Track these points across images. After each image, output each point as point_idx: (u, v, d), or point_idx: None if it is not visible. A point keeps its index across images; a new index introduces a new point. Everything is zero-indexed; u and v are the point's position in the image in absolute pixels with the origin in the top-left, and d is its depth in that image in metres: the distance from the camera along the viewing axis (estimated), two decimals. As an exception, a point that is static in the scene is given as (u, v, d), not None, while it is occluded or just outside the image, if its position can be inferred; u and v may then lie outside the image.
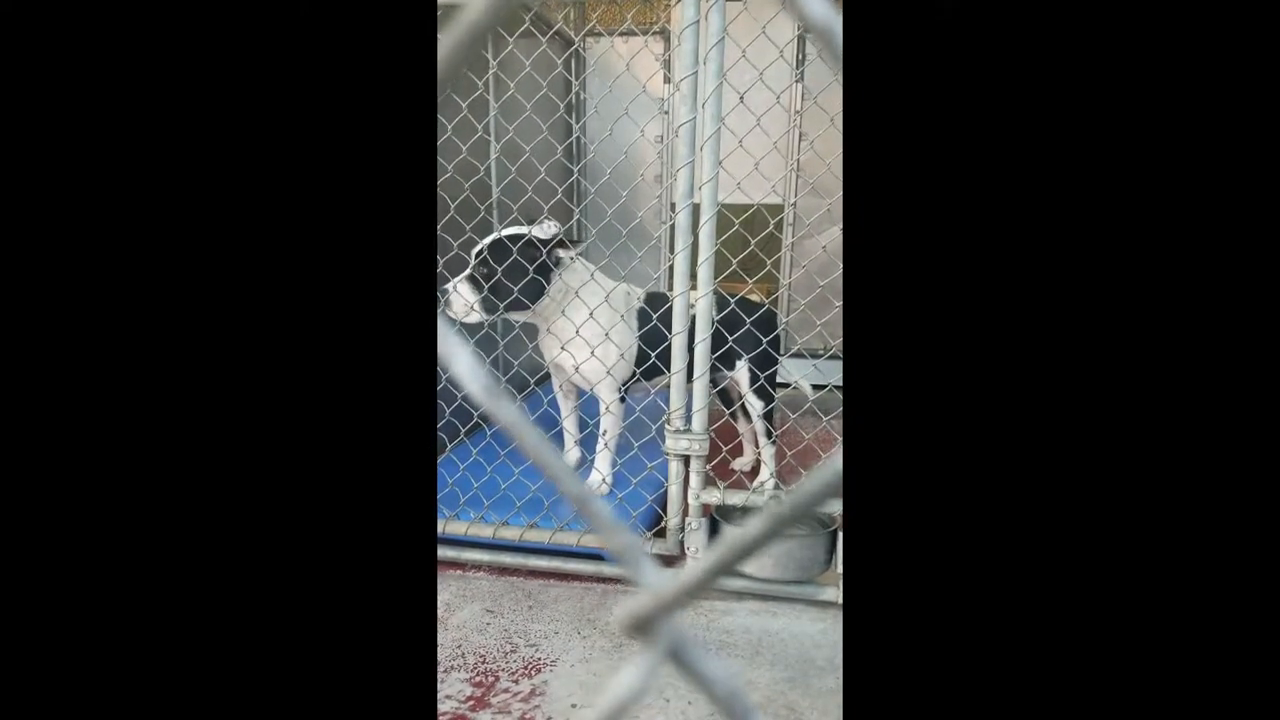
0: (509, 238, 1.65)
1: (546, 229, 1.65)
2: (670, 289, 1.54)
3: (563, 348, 1.71)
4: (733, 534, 0.16)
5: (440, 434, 1.91)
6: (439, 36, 0.18)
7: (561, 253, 1.65)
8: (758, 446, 1.97)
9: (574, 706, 1.19)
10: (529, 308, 1.67)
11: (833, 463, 0.19)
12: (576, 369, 1.71)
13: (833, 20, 0.14)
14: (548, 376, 2.57)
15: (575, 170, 2.34)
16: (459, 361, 0.16)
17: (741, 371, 1.83)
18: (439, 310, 1.73)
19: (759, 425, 1.88)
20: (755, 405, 1.85)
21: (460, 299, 1.62)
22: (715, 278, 1.49)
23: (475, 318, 1.63)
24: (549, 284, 1.66)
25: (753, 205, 1.61)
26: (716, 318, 1.68)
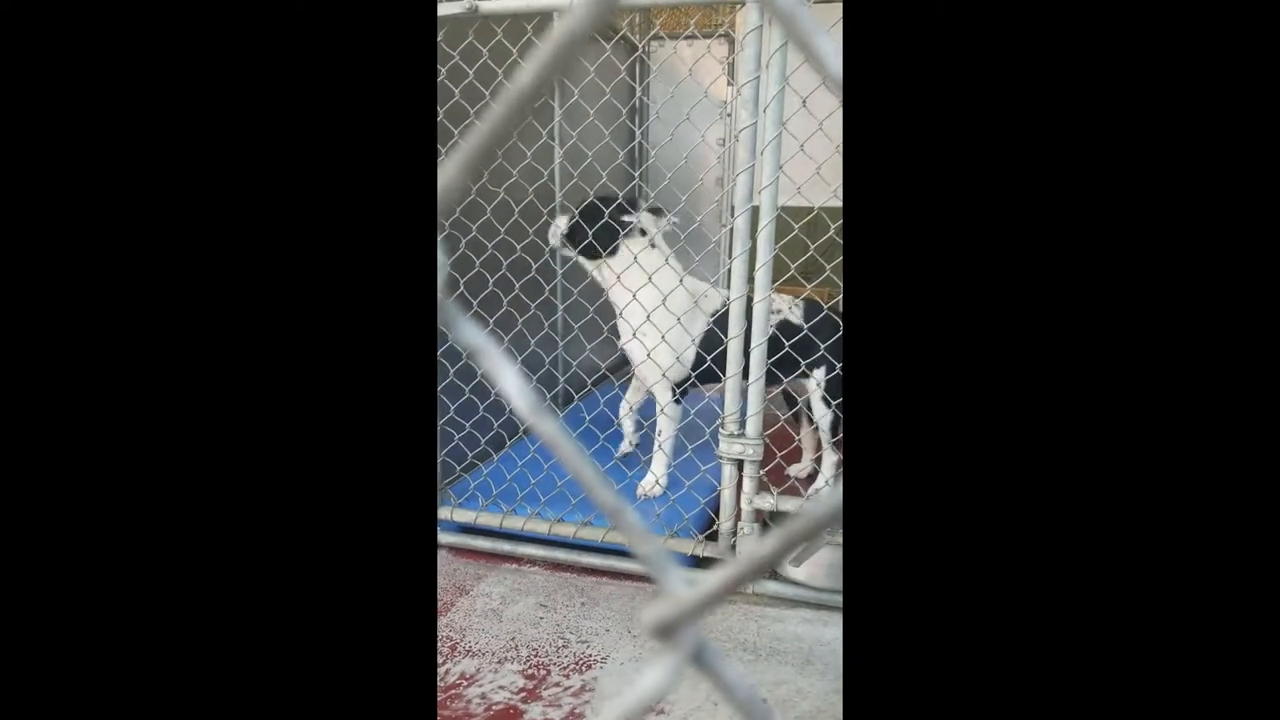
0: (602, 199, 1.78)
1: (646, 215, 1.82)
2: (729, 293, 1.54)
3: (619, 314, 1.77)
4: (751, 546, 0.17)
5: (500, 430, 1.96)
6: (532, 51, 0.20)
7: (627, 217, 1.78)
8: (815, 452, 1.95)
9: (622, 704, 1.21)
10: (598, 257, 1.80)
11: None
12: (641, 348, 1.74)
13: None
14: (605, 378, 2.60)
15: (636, 175, 2.37)
16: (506, 379, 0.18)
17: (817, 378, 1.81)
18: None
19: (825, 435, 1.85)
20: (823, 414, 1.82)
21: (556, 229, 1.83)
22: (774, 282, 1.49)
23: (556, 242, 1.83)
24: (618, 245, 1.78)
25: (813, 209, 1.60)
26: (807, 325, 1.70)
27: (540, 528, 1.66)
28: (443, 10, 1.51)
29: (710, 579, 0.16)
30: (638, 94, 2.89)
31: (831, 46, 0.14)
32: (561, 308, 2.37)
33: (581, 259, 1.83)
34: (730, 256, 1.50)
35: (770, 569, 1.59)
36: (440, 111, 1.65)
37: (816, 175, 1.58)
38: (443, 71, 1.63)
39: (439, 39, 1.60)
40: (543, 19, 1.85)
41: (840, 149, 1.63)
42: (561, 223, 1.85)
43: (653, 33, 2.86)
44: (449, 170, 0.19)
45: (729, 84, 2.93)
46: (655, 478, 1.82)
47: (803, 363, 1.73)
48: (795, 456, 2.05)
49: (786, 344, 1.61)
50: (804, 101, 1.44)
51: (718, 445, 1.54)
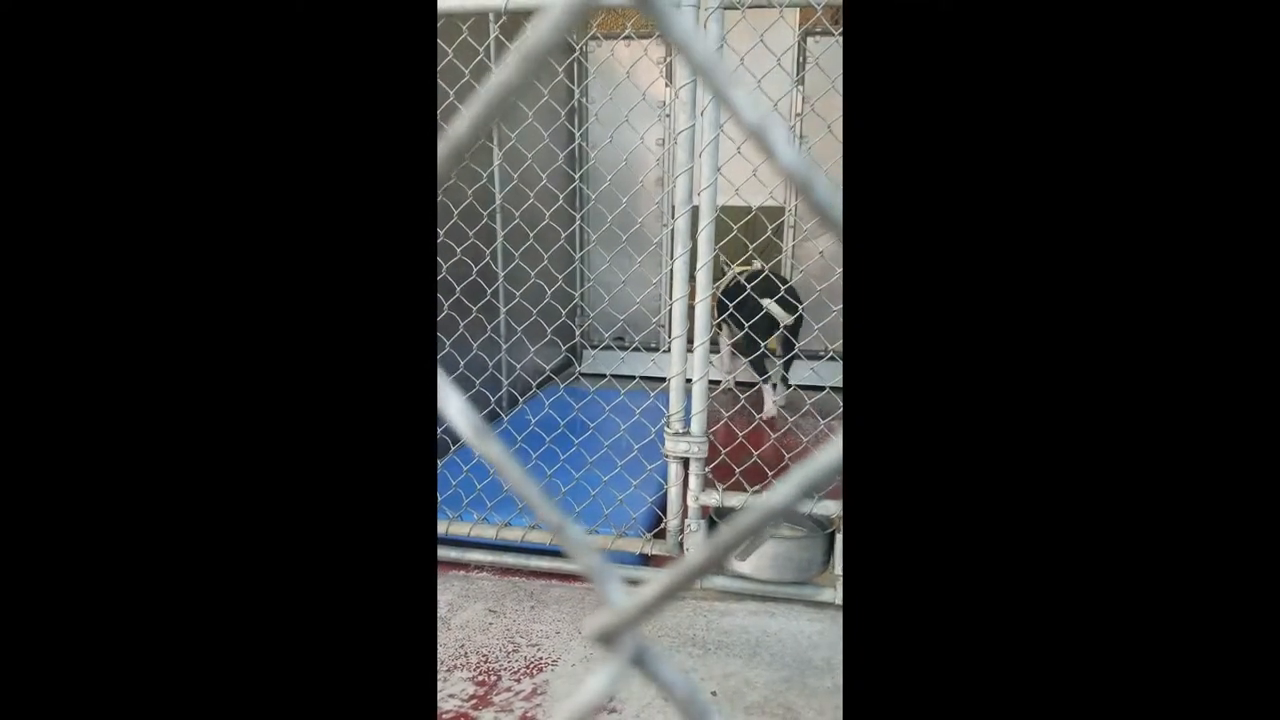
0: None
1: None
2: (670, 294, 1.56)
3: None
4: (689, 556, 0.18)
5: (444, 436, 1.94)
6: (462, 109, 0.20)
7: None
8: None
9: (574, 705, 1.22)
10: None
11: (793, 477, 0.21)
12: None
13: (805, 166, 0.16)
14: (550, 379, 2.60)
15: (577, 176, 2.36)
16: (450, 404, 0.19)
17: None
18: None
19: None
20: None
21: None
22: (714, 281, 1.51)
23: None
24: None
25: (751, 209, 1.63)
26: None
27: (487, 533, 1.65)
28: (442, 5, 1.47)
29: (647, 589, 0.18)
30: (576, 95, 2.88)
31: (746, 97, 0.15)
32: (504, 310, 2.35)
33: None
34: (671, 257, 1.52)
35: (705, 575, 1.62)
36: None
37: (754, 176, 1.62)
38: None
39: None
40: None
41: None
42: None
43: (590, 33, 2.86)
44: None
45: (667, 85, 2.96)
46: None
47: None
48: (740, 453, 2.09)
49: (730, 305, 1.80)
50: (739, 105, 1.46)
51: (663, 444, 1.56)
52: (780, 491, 0.17)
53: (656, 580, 0.18)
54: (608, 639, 0.18)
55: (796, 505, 0.17)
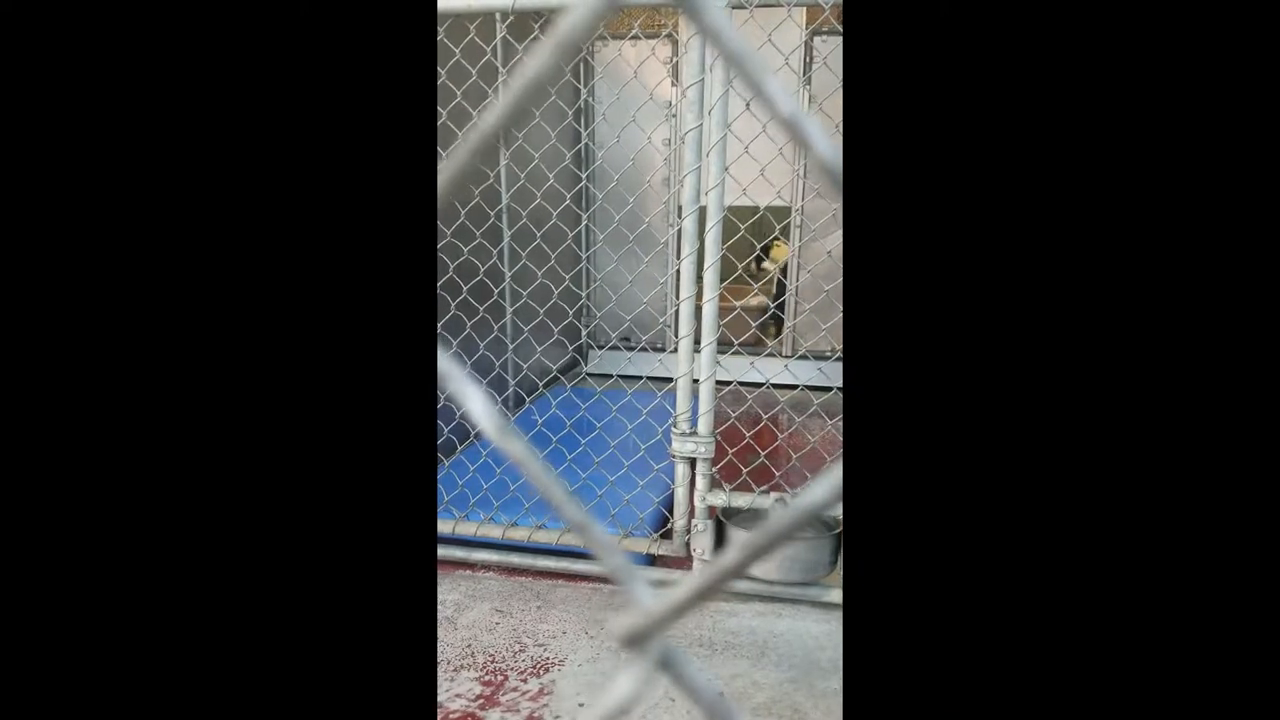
0: None
1: None
2: (677, 294, 1.56)
3: None
4: (722, 558, 0.18)
5: (451, 436, 1.94)
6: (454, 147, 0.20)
7: None
8: None
9: (581, 705, 1.21)
10: None
11: (823, 481, 0.21)
12: None
13: (838, 155, 0.16)
14: (556, 379, 2.61)
15: (584, 176, 2.36)
16: (472, 401, 0.18)
17: None
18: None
19: None
20: None
21: None
22: (722, 281, 1.51)
23: None
24: None
25: (759, 209, 1.63)
26: None
27: (494, 533, 1.65)
28: (443, 6, 1.47)
29: (678, 590, 0.17)
30: (583, 95, 2.88)
31: (780, 88, 0.14)
32: (510, 310, 2.35)
33: None
34: (679, 257, 1.52)
35: (736, 578, 1.61)
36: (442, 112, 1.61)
37: (761, 176, 1.62)
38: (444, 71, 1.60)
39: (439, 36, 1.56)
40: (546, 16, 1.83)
41: (782, 152, 1.67)
42: None
43: (597, 33, 2.85)
44: (450, 167, 0.19)
45: (673, 85, 2.95)
46: None
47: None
48: (746, 453, 2.09)
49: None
50: (748, 104, 1.46)
51: (670, 444, 1.56)
52: (813, 493, 0.17)
53: (687, 582, 0.17)
54: (635, 641, 0.17)
55: (830, 508, 0.17)
